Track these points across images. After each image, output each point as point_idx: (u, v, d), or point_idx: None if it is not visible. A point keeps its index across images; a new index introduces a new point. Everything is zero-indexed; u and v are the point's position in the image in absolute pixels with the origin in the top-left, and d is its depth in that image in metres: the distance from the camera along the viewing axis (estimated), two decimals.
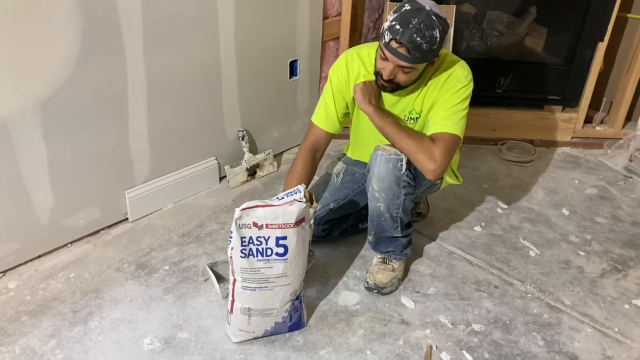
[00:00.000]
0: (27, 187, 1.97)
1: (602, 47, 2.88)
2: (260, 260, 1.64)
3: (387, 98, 1.93)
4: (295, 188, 1.67)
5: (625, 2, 2.85)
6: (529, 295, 2.04)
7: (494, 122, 3.10)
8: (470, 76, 1.87)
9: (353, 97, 1.95)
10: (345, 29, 2.87)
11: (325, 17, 2.81)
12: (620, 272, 2.18)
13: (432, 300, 1.99)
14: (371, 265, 2.07)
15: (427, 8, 1.68)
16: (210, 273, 1.97)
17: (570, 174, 2.88)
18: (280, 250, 1.64)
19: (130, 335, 1.79)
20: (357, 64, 1.95)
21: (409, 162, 1.82)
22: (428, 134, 1.84)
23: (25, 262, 2.07)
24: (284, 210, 1.61)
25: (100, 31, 1.95)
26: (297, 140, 2.51)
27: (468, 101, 1.86)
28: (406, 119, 1.95)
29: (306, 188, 1.75)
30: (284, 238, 1.63)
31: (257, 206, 1.60)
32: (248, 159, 2.61)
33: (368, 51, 1.94)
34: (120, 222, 2.31)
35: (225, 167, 2.56)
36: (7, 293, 1.94)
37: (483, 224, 2.43)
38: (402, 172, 1.82)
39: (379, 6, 3.12)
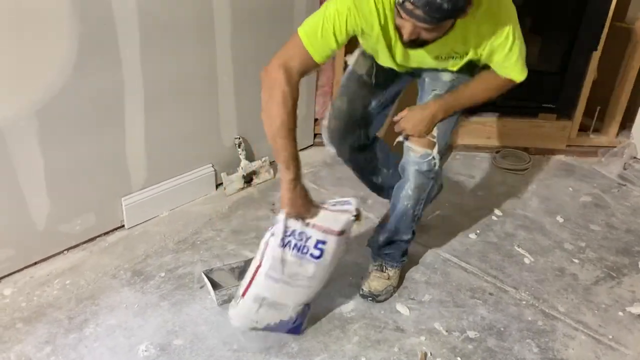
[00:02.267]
0: (24, 194, 1.97)
1: (595, 56, 2.90)
2: (294, 256, 1.66)
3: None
4: (347, 199, 1.71)
5: (619, 11, 2.88)
6: (524, 302, 2.05)
7: (488, 130, 3.12)
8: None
9: (365, 32, 1.65)
10: None
11: None
12: (614, 280, 2.20)
13: (427, 308, 2.00)
14: (366, 272, 2.07)
15: None
16: (206, 280, 1.97)
17: (565, 181, 2.90)
18: (316, 252, 1.66)
19: (126, 342, 1.79)
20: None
21: (439, 155, 1.83)
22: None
23: (21, 269, 2.06)
24: (335, 217, 1.65)
25: (96, 38, 1.96)
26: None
27: (522, 40, 1.69)
28: (444, 59, 1.73)
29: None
30: (324, 242, 1.65)
31: (321, 207, 1.66)
32: (244, 166, 2.62)
33: None
34: (116, 229, 2.31)
35: (222, 174, 2.57)
36: (3, 300, 1.94)
37: (478, 231, 2.44)
38: (436, 168, 1.84)
39: None
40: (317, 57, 1.64)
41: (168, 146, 2.36)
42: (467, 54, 1.71)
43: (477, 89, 1.80)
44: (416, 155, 1.83)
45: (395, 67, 1.83)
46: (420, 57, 1.72)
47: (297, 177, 1.62)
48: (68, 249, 2.18)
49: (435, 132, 1.81)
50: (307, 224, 1.64)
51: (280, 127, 1.59)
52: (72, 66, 1.93)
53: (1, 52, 1.76)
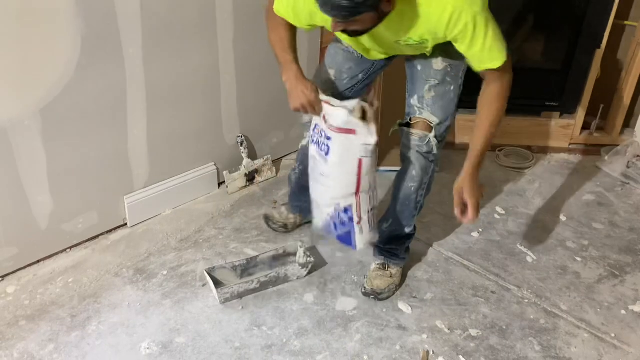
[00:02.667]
0: (26, 192, 1.98)
1: (599, 53, 2.89)
2: (315, 151, 1.77)
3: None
4: (354, 100, 1.70)
5: (622, 9, 2.87)
6: (526, 300, 2.05)
7: None
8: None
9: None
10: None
11: None
12: (617, 278, 2.19)
13: (429, 306, 2.00)
14: (369, 270, 2.08)
15: None
16: (208, 278, 1.98)
17: (568, 180, 2.89)
18: (325, 149, 1.72)
19: (128, 340, 1.80)
20: None
21: (437, 139, 1.84)
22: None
23: (24, 267, 2.07)
24: (333, 112, 1.69)
25: (99, 37, 1.97)
26: (296, 146, 2.51)
27: (490, 24, 1.52)
28: (403, 45, 1.67)
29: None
30: (329, 139, 1.70)
31: (326, 102, 1.73)
32: (247, 164, 2.62)
33: None
34: (119, 227, 2.32)
35: (224, 172, 2.57)
36: (6, 298, 1.95)
37: (480, 229, 2.44)
38: (434, 150, 1.85)
39: None
40: (300, 26, 1.77)
41: (170, 144, 2.36)
42: (423, 39, 1.61)
43: (484, 119, 1.71)
44: (416, 139, 1.84)
45: (372, 53, 1.83)
46: (382, 43, 1.71)
47: (295, 60, 1.76)
48: (71, 247, 2.19)
49: (432, 118, 1.81)
50: (322, 119, 1.71)
51: (281, 37, 1.77)
52: (75, 65, 1.94)
53: (5, 51, 1.76)
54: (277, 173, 2.76)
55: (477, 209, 1.72)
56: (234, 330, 1.85)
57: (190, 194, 2.51)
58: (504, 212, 2.57)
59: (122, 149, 2.21)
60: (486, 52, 1.55)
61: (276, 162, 2.81)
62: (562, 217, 2.56)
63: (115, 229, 2.31)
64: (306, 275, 2.07)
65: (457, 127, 2.84)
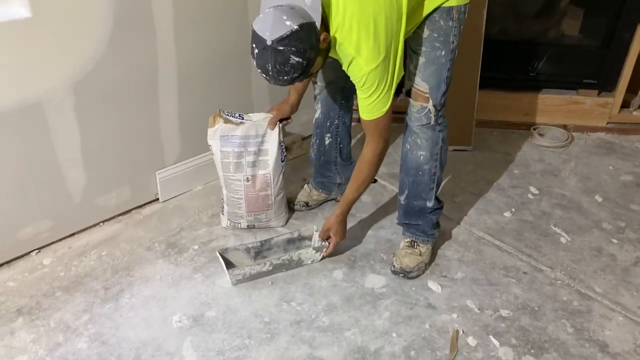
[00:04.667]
0: (61, 167, 2.01)
1: None
2: None
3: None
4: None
5: None
6: (559, 282, 2.01)
7: (526, 106, 3.04)
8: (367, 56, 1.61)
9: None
10: None
11: None
12: None
13: (460, 285, 1.98)
14: (398, 249, 2.06)
15: (268, 43, 1.50)
16: (221, 259, 1.95)
17: (605, 160, 2.81)
18: None
19: (160, 313, 1.83)
20: None
21: (435, 108, 1.84)
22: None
23: (59, 240, 2.12)
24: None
25: (131, 13, 1.97)
26: None
27: (375, 77, 1.63)
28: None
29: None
30: None
31: None
32: None
33: None
34: (150, 202, 2.35)
35: None
36: (42, 269, 2.00)
37: (513, 209, 2.39)
38: (434, 119, 1.85)
39: None
40: None
41: (202, 121, 2.35)
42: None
43: (354, 180, 1.89)
44: (414, 110, 1.86)
45: None
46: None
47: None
48: (104, 221, 2.23)
49: (426, 87, 1.80)
50: None
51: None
52: (108, 41, 1.95)
53: (40, 26, 1.78)
54: (306, 150, 2.74)
55: (335, 247, 2.02)
56: (264, 305, 1.86)
57: None
58: (537, 192, 2.52)
59: (154, 124, 2.23)
60: (370, 104, 1.69)
61: (306, 139, 2.79)
62: (598, 198, 2.49)
63: (147, 203, 2.34)
64: (320, 260, 2.05)
65: (477, 104, 2.77)
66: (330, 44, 1.64)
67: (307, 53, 1.53)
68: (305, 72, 1.58)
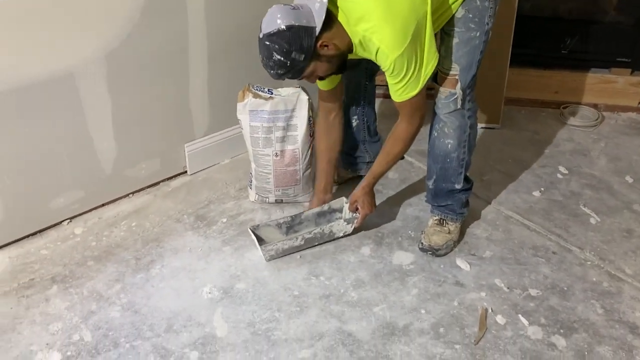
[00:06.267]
0: (92, 138, 2.03)
1: None
2: None
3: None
4: None
5: None
6: (589, 262, 2.00)
7: (557, 84, 2.98)
8: (391, 45, 1.60)
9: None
10: None
11: None
12: None
13: (488, 264, 1.97)
14: (426, 226, 2.06)
15: (260, 35, 1.60)
16: (253, 236, 1.95)
17: (636, 140, 2.76)
18: None
19: (190, 284, 1.85)
20: None
21: (464, 92, 1.81)
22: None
23: (90, 210, 2.15)
24: None
25: None
26: None
27: (403, 63, 1.62)
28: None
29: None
30: None
31: None
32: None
33: None
34: (179, 174, 2.36)
35: None
36: (74, 239, 2.03)
37: (542, 189, 2.37)
38: (462, 104, 1.83)
39: None
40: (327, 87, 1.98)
41: (231, 95, 2.35)
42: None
43: (385, 154, 1.89)
44: (442, 97, 1.83)
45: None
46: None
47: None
48: (133, 193, 2.25)
49: (456, 68, 1.77)
50: None
51: None
52: (140, 13, 1.94)
53: None
54: None
55: (363, 219, 2.00)
56: (293, 278, 1.88)
57: None
58: (567, 172, 2.49)
59: (184, 97, 2.23)
60: (400, 89, 1.68)
61: None
62: (629, 179, 2.46)
63: (175, 176, 2.36)
64: (352, 232, 2.05)
65: (507, 82, 2.73)
66: (343, 52, 1.67)
67: (291, 54, 1.58)
68: (291, 72, 1.63)
